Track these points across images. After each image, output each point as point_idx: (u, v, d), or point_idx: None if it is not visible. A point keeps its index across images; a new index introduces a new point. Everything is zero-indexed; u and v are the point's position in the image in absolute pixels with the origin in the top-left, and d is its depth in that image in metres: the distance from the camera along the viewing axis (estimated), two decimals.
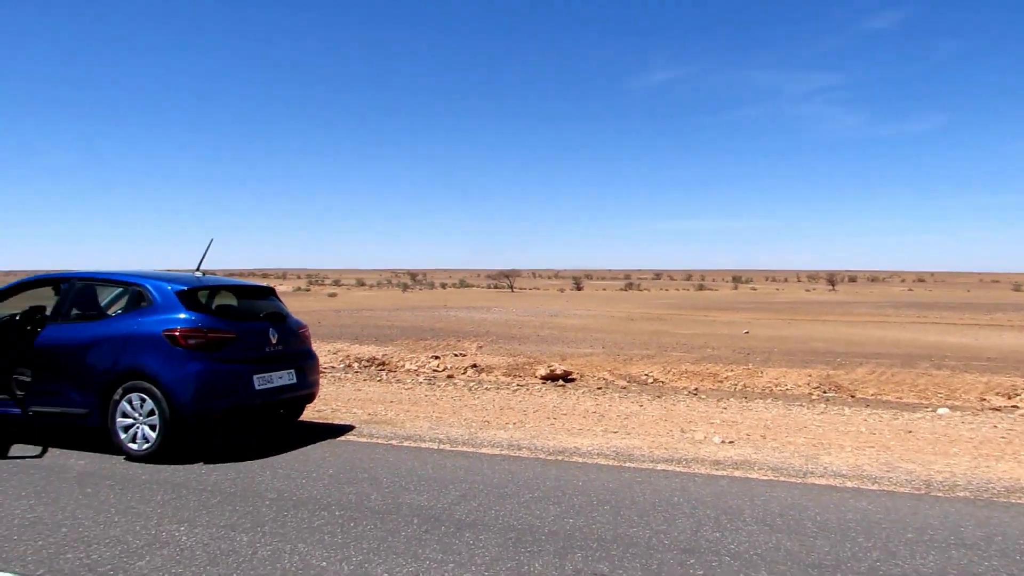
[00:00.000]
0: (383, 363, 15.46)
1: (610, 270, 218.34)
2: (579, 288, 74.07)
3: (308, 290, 67.12)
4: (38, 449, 6.39)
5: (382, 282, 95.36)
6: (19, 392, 6.55)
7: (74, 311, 6.65)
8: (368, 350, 18.14)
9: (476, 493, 5.12)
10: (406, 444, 6.75)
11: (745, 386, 12.04)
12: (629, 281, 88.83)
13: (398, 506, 4.81)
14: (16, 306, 7.24)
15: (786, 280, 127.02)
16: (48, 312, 6.87)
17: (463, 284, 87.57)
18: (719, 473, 5.84)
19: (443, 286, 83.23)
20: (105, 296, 7.04)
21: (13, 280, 7.46)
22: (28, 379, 6.51)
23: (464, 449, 6.57)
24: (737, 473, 5.86)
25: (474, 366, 14.79)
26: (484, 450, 6.55)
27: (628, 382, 12.62)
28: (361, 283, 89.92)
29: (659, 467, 6.02)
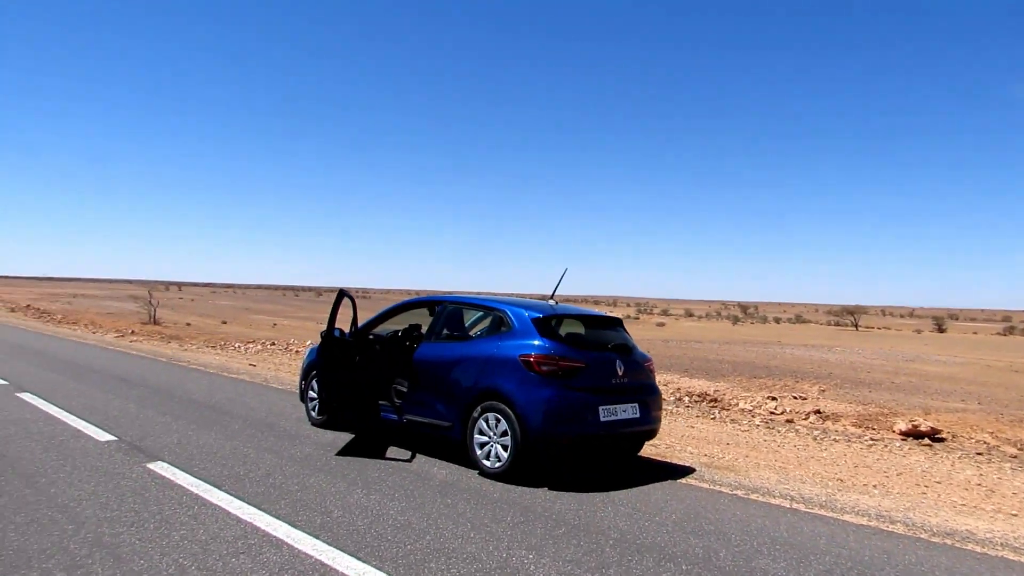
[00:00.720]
0: (715, 400, 14.83)
1: (983, 310, 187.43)
2: (941, 330, 64.53)
3: (637, 318, 68.30)
4: (408, 454, 7.09)
5: (711, 313, 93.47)
6: (397, 401, 7.38)
7: (444, 331, 7.33)
8: (698, 384, 17.61)
9: (844, 572, 4.41)
10: (752, 497, 6.18)
11: None
12: (1009, 324, 75.05)
13: (751, 571, 4.33)
14: (400, 323, 8.25)
15: None
16: (424, 330, 7.67)
17: (799, 319, 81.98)
18: None
19: (776, 320, 78.78)
20: (469, 319, 7.65)
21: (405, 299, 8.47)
22: (405, 389, 7.31)
23: (821, 512, 5.81)
24: None
25: (817, 412, 13.46)
26: (847, 517, 5.71)
27: (1020, 450, 10.38)
28: (689, 313, 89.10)
29: None
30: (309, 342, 23.35)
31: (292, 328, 39.81)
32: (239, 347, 20.92)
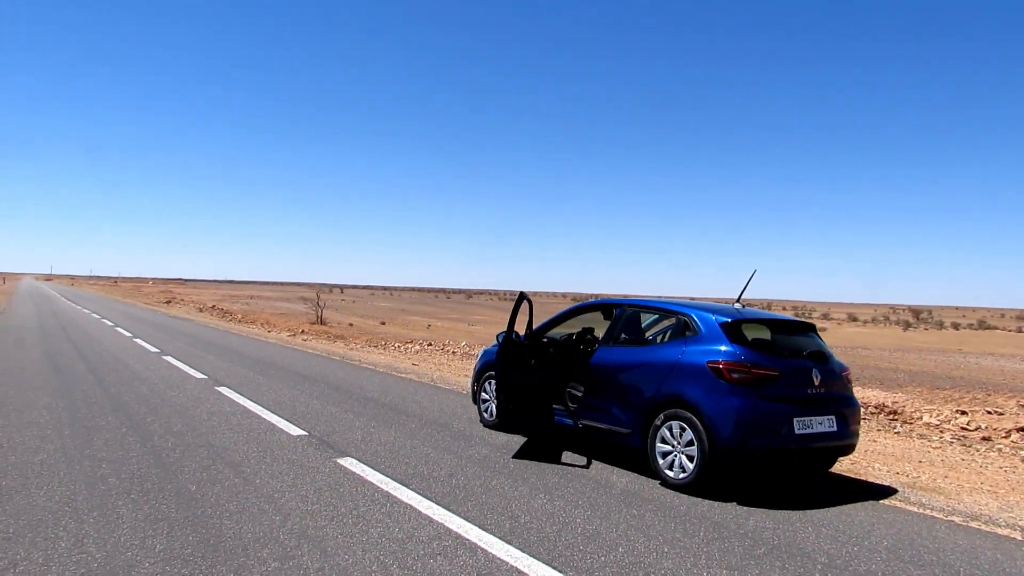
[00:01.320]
0: (894, 412, 13.66)
1: None
2: None
3: None
4: (584, 460, 6.97)
5: (877, 318, 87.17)
6: (572, 405, 7.28)
7: (622, 335, 7.15)
8: (872, 395, 16.33)
9: None
10: (973, 525, 5.54)
11: None
12: None
13: None
14: (573, 327, 8.16)
15: None
16: (600, 334, 7.53)
17: (982, 325, 74.69)
18: None
19: (955, 326, 72.20)
20: (647, 322, 7.43)
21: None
22: (580, 394, 7.20)
23: None
24: None
25: (1021, 429, 12.06)
26: None
27: None
28: (853, 318, 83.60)
29: None
30: (464, 343, 23.91)
31: (445, 329, 41.16)
32: (399, 347, 21.76)
